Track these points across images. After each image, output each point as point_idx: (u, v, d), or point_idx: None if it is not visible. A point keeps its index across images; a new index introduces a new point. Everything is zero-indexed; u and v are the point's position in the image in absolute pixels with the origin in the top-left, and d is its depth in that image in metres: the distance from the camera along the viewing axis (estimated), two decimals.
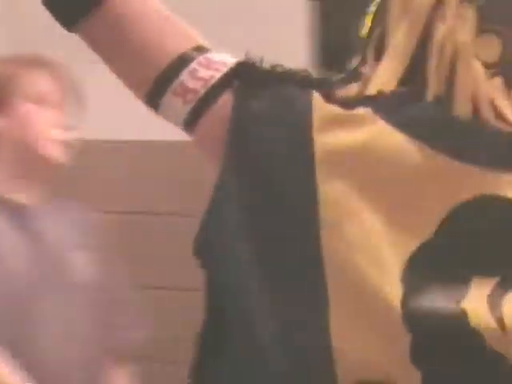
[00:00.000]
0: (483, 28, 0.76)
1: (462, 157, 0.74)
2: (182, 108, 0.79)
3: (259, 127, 0.77)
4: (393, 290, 0.73)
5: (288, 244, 0.76)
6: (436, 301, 0.73)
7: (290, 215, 0.76)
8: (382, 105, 0.76)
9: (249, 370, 0.76)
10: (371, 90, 0.78)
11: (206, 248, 0.78)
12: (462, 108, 0.74)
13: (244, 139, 0.77)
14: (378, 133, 0.75)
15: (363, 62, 0.81)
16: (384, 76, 0.78)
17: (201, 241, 0.78)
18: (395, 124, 0.75)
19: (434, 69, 0.76)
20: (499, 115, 0.75)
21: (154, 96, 0.80)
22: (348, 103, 0.77)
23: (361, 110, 0.76)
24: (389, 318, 0.73)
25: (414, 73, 0.77)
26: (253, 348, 0.75)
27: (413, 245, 0.74)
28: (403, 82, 0.78)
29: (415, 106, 0.76)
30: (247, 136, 0.77)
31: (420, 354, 0.73)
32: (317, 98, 0.76)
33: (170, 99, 0.79)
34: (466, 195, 0.74)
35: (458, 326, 0.71)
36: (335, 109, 0.76)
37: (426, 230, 0.74)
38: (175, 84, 0.79)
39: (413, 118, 0.76)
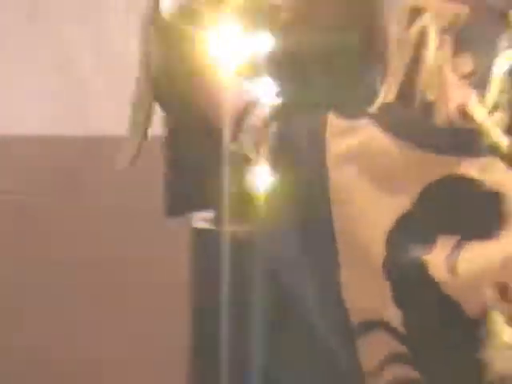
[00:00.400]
0: (459, 49, 1.00)
1: (430, 148, 0.99)
2: (250, 141, 1.14)
3: (290, 138, 1.09)
4: (379, 251, 0.98)
5: (310, 216, 1.05)
6: (408, 257, 0.97)
7: (311, 199, 1.05)
8: (377, 115, 1.03)
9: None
10: (376, 104, 1.04)
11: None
12: (439, 112, 0.99)
13: (280, 146, 1.09)
14: (369, 135, 1.01)
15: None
16: (385, 93, 1.04)
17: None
18: (382, 127, 1.01)
19: (420, 84, 1.01)
20: (470, 118, 0.99)
21: (236, 137, 1.15)
22: (355, 116, 1.03)
23: (361, 121, 1.02)
24: (376, 272, 0.98)
25: (407, 88, 1.02)
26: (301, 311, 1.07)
27: (396, 216, 0.98)
28: (399, 95, 1.03)
29: (399, 113, 1.01)
30: (282, 145, 1.09)
31: (399, 299, 0.98)
32: (330, 116, 1.04)
33: (243, 137, 1.15)
34: (434, 176, 0.98)
35: (421, 276, 0.95)
36: (343, 122, 1.03)
37: (406, 204, 0.99)
38: (245, 125, 1.15)
39: (395, 122, 1.01)
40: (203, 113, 1.19)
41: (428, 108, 1.00)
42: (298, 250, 1.06)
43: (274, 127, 1.12)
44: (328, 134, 1.04)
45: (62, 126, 2.70)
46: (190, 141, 1.34)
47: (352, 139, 1.03)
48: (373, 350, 0.99)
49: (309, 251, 1.04)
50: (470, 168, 0.97)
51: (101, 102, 2.68)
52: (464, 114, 0.99)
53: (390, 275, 0.97)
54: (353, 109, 1.04)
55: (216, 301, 1.65)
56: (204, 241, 2.05)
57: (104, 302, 2.58)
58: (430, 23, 1.00)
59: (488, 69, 1.00)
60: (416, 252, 0.97)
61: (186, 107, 1.25)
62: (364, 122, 1.02)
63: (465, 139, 0.99)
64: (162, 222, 1.58)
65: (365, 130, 1.02)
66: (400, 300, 0.97)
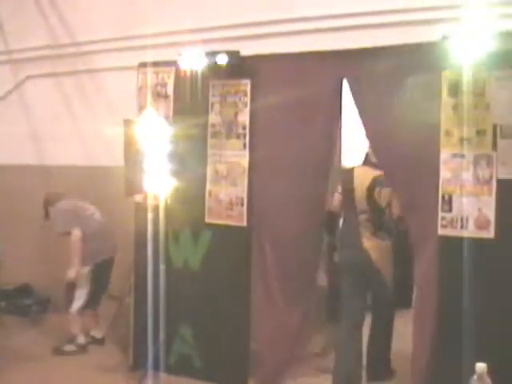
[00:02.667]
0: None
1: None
2: None
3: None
4: (365, 191, 5.27)
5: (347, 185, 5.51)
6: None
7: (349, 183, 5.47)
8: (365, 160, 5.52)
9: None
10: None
11: None
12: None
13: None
14: (361, 167, 5.43)
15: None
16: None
17: None
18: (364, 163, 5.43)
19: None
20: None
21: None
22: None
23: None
24: (350, 191, 5.25)
25: None
26: None
27: (368, 183, 5.31)
28: None
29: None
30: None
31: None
32: (356, 167, 5.44)
33: None
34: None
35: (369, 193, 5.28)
36: (360, 167, 5.46)
37: (368, 182, 5.28)
38: None
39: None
40: None
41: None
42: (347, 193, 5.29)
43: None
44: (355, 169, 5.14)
45: None
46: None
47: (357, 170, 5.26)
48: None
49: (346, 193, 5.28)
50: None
51: None
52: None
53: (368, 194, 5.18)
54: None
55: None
56: (140, 208, 4.18)
57: None
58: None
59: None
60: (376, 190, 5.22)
61: None
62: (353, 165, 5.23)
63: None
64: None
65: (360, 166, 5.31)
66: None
